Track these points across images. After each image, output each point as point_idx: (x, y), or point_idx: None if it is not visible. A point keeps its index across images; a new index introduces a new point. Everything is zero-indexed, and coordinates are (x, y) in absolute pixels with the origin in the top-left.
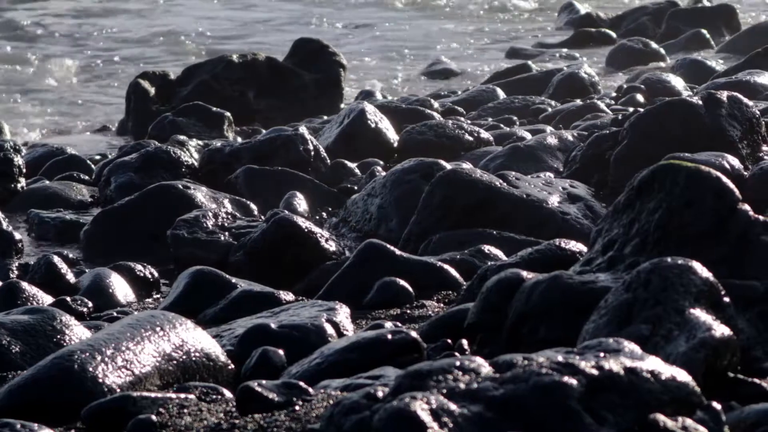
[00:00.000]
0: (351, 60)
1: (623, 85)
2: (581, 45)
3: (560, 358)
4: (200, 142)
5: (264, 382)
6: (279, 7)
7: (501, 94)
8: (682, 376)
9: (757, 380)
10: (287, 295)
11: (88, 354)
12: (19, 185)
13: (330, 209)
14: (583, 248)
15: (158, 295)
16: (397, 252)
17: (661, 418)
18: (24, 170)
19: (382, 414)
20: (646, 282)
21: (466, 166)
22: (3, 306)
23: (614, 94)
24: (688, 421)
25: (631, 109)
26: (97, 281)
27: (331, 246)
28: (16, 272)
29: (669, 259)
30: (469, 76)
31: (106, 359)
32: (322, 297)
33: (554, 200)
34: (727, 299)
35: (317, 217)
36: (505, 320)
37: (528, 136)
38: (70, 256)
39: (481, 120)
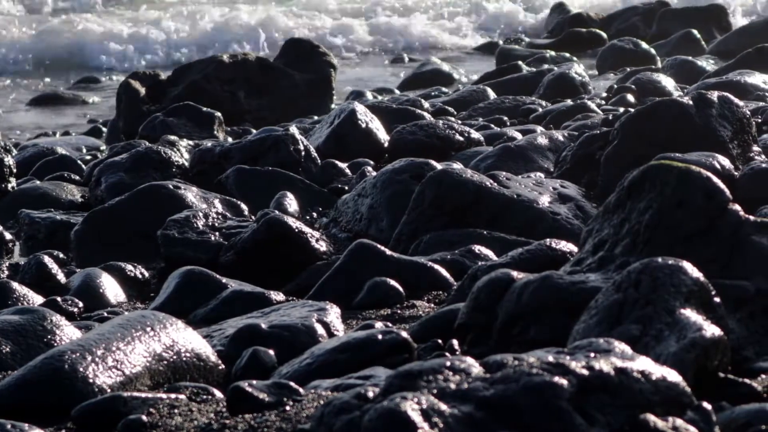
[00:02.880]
0: (341, 60)
1: (614, 85)
2: (571, 45)
3: (551, 359)
4: (191, 142)
5: (254, 382)
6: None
7: (491, 94)
8: (673, 376)
9: (747, 380)
10: (278, 296)
11: (78, 354)
12: (9, 185)
13: (320, 209)
14: (574, 248)
15: (147, 299)
16: (388, 252)
17: (651, 418)
18: (14, 170)
19: (372, 414)
20: (636, 282)
21: (457, 166)
22: None
23: (605, 94)
24: (679, 422)
25: (621, 110)
26: (88, 281)
27: (322, 246)
28: (6, 272)
29: (659, 259)
30: (459, 82)
31: (97, 359)
32: (312, 297)
33: (545, 200)
34: (717, 299)
35: (308, 218)
36: (496, 320)
37: (518, 136)
38: (61, 256)
39: (471, 120)
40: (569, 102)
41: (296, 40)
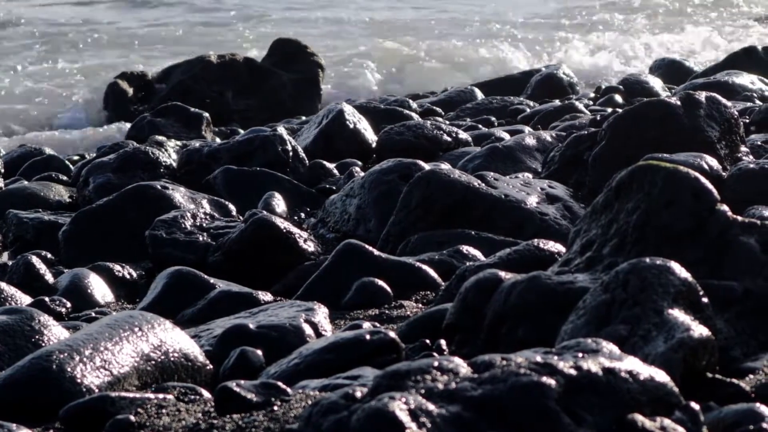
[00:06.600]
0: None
1: (601, 85)
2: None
3: (539, 359)
4: (179, 143)
5: (242, 382)
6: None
7: (479, 94)
8: (661, 376)
9: (735, 380)
10: (265, 296)
11: (66, 354)
12: None
13: (308, 210)
14: (562, 249)
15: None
16: (376, 252)
17: (639, 418)
18: (2, 170)
19: (360, 414)
20: (624, 282)
21: (445, 166)
22: None
23: (592, 95)
24: (667, 422)
25: (609, 110)
26: (76, 282)
27: (310, 246)
28: None
29: (647, 260)
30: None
31: (85, 359)
32: (300, 297)
33: (533, 201)
34: (705, 300)
35: (295, 218)
36: (484, 321)
37: (506, 136)
38: (49, 256)
39: (459, 120)
40: (557, 102)
41: (284, 41)
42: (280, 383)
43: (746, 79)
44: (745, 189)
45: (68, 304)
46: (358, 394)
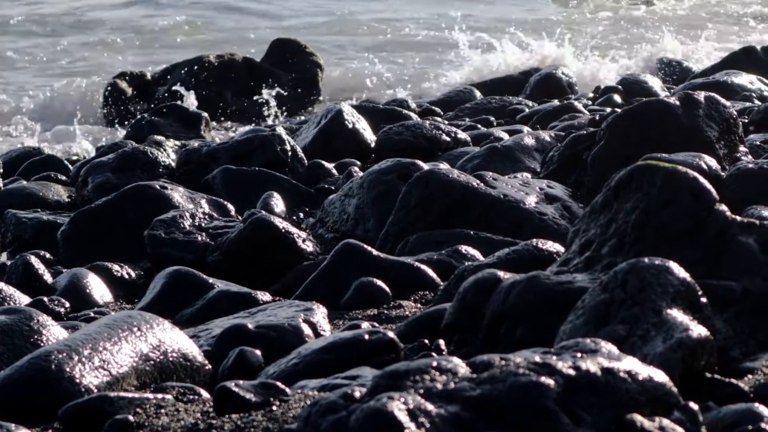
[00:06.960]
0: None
1: (600, 85)
2: None
3: (537, 359)
4: (177, 143)
5: (241, 382)
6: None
7: (478, 94)
8: (659, 376)
9: (734, 380)
10: (264, 296)
11: (65, 354)
12: None
13: (307, 209)
14: (561, 249)
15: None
16: (374, 252)
17: (638, 418)
18: (1, 170)
19: (359, 414)
20: (623, 282)
21: (443, 166)
22: None
23: (591, 95)
24: (665, 422)
25: (608, 110)
26: (74, 281)
27: (308, 246)
28: None
29: (646, 260)
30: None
31: (83, 359)
32: (299, 297)
33: (531, 200)
34: (704, 299)
35: (294, 218)
36: (482, 321)
37: (505, 136)
38: (47, 256)
39: (458, 120)
40: (556, 102)
41: (283, 41)
42: (278, 383)
43: (745, 79)
44: (744, 189)
45: (67, 304)
46: (357, 394)
